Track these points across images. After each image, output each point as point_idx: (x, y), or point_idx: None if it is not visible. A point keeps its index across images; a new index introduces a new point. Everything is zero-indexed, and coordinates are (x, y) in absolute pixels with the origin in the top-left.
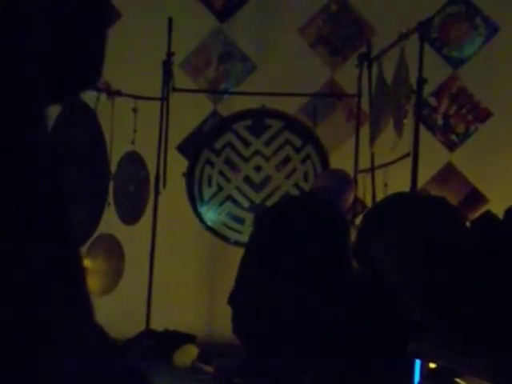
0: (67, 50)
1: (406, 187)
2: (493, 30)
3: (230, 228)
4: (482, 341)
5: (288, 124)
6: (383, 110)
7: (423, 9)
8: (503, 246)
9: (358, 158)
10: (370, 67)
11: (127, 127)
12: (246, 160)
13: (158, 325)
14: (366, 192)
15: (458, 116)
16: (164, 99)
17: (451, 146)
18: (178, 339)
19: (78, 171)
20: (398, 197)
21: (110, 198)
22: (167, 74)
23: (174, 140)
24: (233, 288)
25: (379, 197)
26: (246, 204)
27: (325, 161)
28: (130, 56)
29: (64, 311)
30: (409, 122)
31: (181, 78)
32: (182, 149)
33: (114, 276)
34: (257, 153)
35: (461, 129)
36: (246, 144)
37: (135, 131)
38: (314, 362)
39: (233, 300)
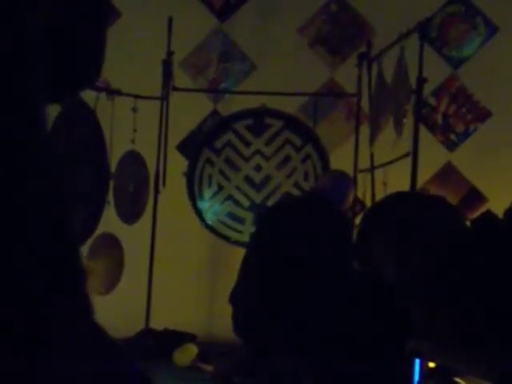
0: (67, 50)
1: (405, 187)
2: (492, 29)
3: (231, 228)
4: (482, 341)
5: (288, 123)
6: (383, 109)
7: (423, 8)
8: (503, 246)
9: (357, 158)
10: (369, 67)
11: (127, 126)
12: (247, 159)
13: (157, 324)
14: (366, 191)
15: (457, 115)
16: (164, 98)
17: (451, 146)
18: (177, 338)
19: (77, 171)
20: (398, 196)
21: (110, 197)
22: (167, 73)
23: (173, 139)
24: (234, 286)
25: (379, 196)
26: (247, 203)
27: (325, 160)
28: (129, 55)
29: (63, 311)
30: (408, 122)
31: (181, 78)
32: (182, 148)
33: (114, 275)
34: (257, 152)
35: (460, 128)
36: (247, 143)
37: (135, 130)
38: (314, 361)
39: (234, 298)
